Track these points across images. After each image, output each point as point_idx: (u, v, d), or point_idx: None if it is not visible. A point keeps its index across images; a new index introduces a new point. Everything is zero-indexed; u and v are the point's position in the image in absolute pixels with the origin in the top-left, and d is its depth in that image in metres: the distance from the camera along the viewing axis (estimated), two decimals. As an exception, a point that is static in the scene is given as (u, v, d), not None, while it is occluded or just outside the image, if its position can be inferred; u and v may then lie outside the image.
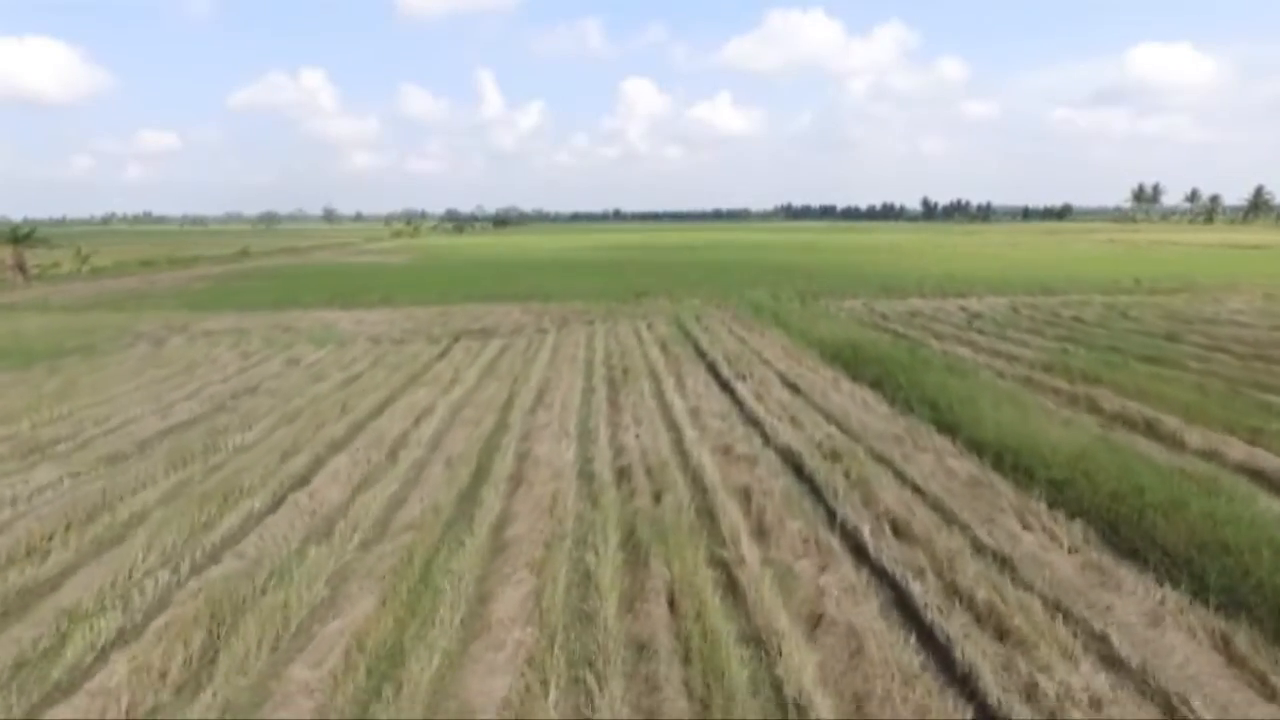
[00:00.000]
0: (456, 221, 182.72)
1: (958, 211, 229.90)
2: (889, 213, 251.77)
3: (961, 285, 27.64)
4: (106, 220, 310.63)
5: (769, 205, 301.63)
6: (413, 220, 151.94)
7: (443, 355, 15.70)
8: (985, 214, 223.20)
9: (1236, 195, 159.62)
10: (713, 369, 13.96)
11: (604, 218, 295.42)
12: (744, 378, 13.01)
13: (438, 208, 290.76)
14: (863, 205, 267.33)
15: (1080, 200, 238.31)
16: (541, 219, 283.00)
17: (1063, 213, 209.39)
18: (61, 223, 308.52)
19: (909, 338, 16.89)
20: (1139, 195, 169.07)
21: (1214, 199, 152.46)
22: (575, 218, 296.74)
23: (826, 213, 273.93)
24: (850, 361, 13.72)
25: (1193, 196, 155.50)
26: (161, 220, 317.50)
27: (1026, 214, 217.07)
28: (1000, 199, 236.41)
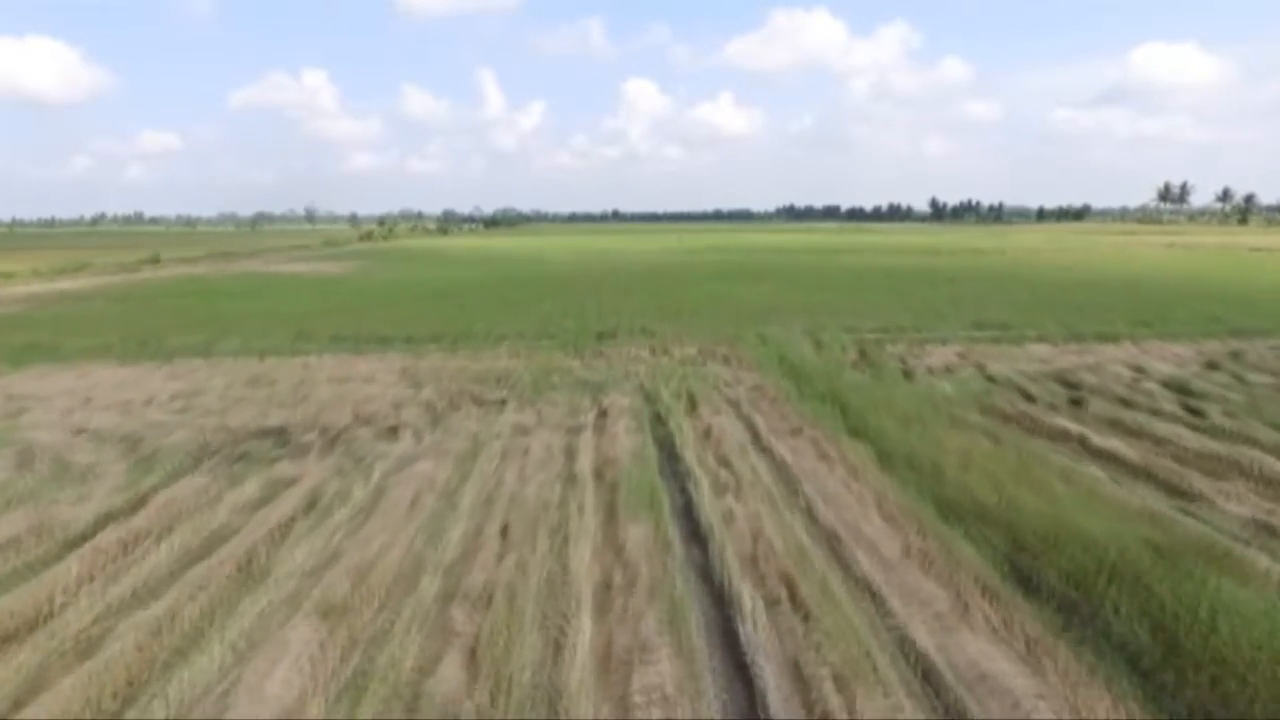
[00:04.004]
0: (446, 222, 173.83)
1: (968, 212, 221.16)
2: (896, 213, 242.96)
3: (1086, 318, 18.56)
4: (96, 221, 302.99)
5: (771, 206, 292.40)
6: (386, 222, 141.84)
7: (68, 551, 6.64)
8: (997, 214, 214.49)
9: (1260, 195, 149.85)
10: (727, 637, 4.94)
11: (602, 218, 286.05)
12: (825, 710, 3.98)
13: (436, 208, 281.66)
14: (868, 206, 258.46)
15: (1086, 200, 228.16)
16: (539, 219, 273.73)
17: (1080, 213, 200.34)
18: (51, 224, 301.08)
19: (1164, 483, 7.78)
20: (1165, 194, 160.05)
21: (1248, 199, 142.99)
22: (573, 218, 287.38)
23: (830, 213, 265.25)
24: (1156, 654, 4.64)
25: (1224, 195, 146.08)
26: (154, 221, 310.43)
27: (1041, 214, 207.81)
28: (1005, 199, 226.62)
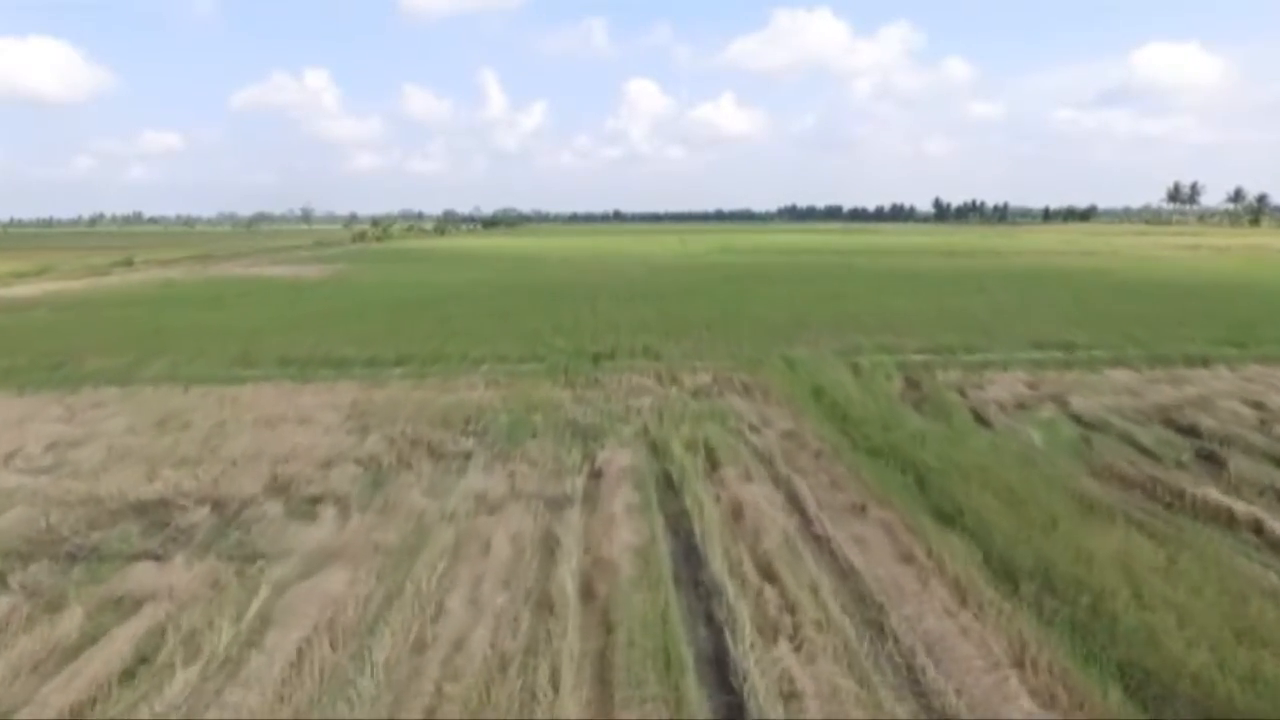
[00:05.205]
0: (445, 222, 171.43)
1: (972, 213, 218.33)
2: (899, 214, 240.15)
3: (1157, 334, 16.02)
4: (94, 221, 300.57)
5: (773, 206, 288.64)
6: (381, 222, 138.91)
7: None
8: (1001, 215, 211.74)
9: (1269, 196, 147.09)
10: None
11: (604, 219, 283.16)
12: None
13: (436, 208, 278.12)
14: (870, 206, 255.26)
15: (1089, 200, 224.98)
16: (540, 220, 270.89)
17: (1087, 214, 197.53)
18: (49, 224, 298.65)
19: None
20: (1175, 195, 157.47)
21: (1261, 198, 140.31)
22: (574, 218, 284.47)
23: (832, 213, 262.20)
24: None
25: (1237, 196, 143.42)
26: (154, 221, 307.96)
27: (1047, 215, 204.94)
28: (1008, 199, 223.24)
